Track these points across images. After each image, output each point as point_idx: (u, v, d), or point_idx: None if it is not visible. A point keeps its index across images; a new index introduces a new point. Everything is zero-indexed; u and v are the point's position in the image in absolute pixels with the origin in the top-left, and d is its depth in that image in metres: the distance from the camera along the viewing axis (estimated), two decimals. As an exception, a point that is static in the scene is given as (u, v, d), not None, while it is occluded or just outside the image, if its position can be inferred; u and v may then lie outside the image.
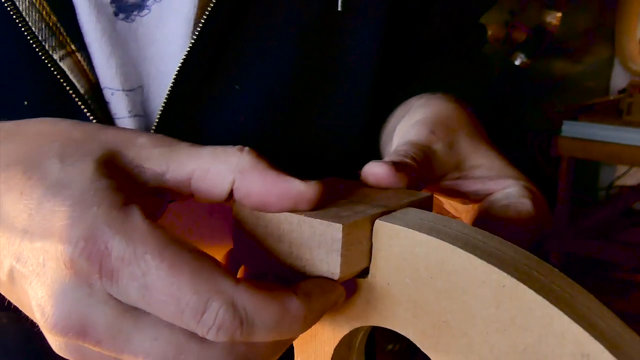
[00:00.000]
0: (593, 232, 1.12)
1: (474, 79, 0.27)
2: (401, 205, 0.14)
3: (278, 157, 0.26)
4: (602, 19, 1.43)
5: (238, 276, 0.13)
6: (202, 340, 0.11)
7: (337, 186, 0.15)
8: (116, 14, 0.20)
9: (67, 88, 0.20)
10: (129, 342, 0.11)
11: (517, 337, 0.12)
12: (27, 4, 0.19)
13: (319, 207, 0.13)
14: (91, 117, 0.20)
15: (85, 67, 0.20)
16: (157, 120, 0.21)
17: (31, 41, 0.19)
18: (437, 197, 0.18)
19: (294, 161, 0.25)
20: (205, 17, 0.20)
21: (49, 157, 0.12)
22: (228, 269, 0.12)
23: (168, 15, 0.21)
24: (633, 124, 1.08)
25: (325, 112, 0.24)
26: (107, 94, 0.21)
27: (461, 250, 0.12)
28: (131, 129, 0.14)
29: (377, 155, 0.26)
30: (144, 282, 0.11)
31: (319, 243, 0.12)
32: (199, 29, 0.20)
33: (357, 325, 0.14)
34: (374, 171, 0.15)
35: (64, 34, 0.20)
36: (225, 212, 0.14)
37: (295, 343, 0.14)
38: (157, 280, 0.11)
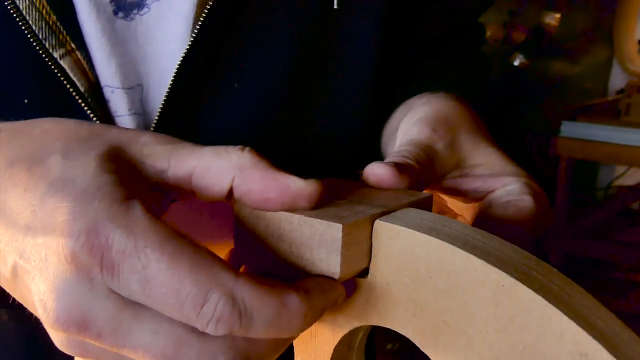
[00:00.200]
0: (592, 232, 1.12)
1: (474, 77, 0.27)
2: (401, 205, 0.14)
3: (278, 156, 0.26)
4: (601, 20, 1.43)
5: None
6: (202, 334, 0.11)
7: (337, 186, 0.15)
8: (115, 13, 0.21)
9: (68, 86, 0.20)
10: (130, 336, 0.11)
11: (516, 337, 0.12)
12: (27, 3, 0.19)
13: (318, 205, 0.13)
14: (91, 115, 0.20)
15: (85, 65, 0.20)
16: (156, 118, 0.21)
17: (31, 40, 0.19)
18: (439, 195, 0.18)
19: (294, 160, 0.25)
20: (203, 15, 0.20)
21: (53, 153, 0.12)
22: (229, 263, 0.12)
23: (167, 14, 0.21)
24: (631, 124, 1.09)
25: (324, 110, 0.24)
26: (107, 92, 0.21)
27: (460, 250, 0.12)
28: (135, 129, 0.14)
29: (377, 155, 0.26)
30: (144, 275, 0.11)
31: (319, 243, 0.12)
32: (197, 28, 0.20)
33: (357, 324, 0.14)
34: (376, 172, 0.15)
35: (64, 32, 0.20)
36: (226, 212, 0.14)
37: (295, 342, 0.14)
38: (157, 273, 0.11)
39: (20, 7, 0.19)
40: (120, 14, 0.21)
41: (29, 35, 0.19)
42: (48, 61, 0.20)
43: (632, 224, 1.22)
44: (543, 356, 0.11)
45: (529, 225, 0.16)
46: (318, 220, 0.12)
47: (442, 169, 0.17)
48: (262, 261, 0.13)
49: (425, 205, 0.15)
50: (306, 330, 0.14)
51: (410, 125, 0.18)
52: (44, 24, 0.19)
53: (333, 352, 0.14)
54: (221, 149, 0.13)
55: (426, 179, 0.16)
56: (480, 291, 0.12)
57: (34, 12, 0.19)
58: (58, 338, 0.12)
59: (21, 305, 0.13)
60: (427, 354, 0.13)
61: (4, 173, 0.12)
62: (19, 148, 0.13)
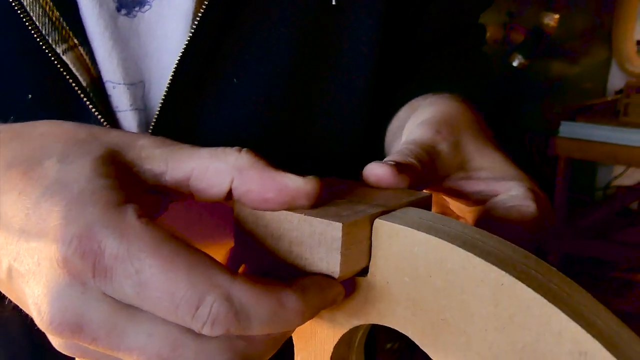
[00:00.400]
0: (590, 232, 1.13)
1: (476, 77, 0.27)
2: (400, 204, 0.14)
3: (278, 154, 0.26)
4: (600, 21, 1.44)
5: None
6: (198, 335, 0.11)
7: (337, 186, 0.15)
8: (118, 10, 0.21)
9: (70, 81, 0.20)
10: (124, 339, 0.11)
11: (515, 335, 0.12)
12: (30, 0, 0.19)
13: (317, 203, 0.13)
14: (93, 110, 0.21)
15: (87, 60, 0.20)
16: (156, 114, 0.21)
17: (35, 35, 0.19)
18: (442, 197, 0.18)
19: (294, 159, 0.25)
20: (201, 12, 0.20)
21: (50, 157, 0.12)
22: (225, 265, 0.12)
23: (168, 11, 0.21)
24: (630, 124, 1.09)
25: (324, 108, 0.24)
26: (109, 88, 0.21)
27: (460, 249, 0.12)
28: (133, 133, 0.14)
29: (378, 155, 0.26)
30: (137, 280, 0.11)
31: (319, 242, 0.12)
32: (195, 24, 0.20)
33: (357, 323, 0.14)
34: (376, 172, 0.15)
35: (67, 28, 0.20)
36: (225, 212, 0.14)
37: (295, 341, 0.14)
38: (151, 277, 0.11)
39: (24, 3, 0.19)
40: (123, 11, 0.21)
41: (32, 31, 0.19)
42: (51, 56, 0.20)
43: (631, 224, 1.23)
44: (542, 355, 0.11)
45: (530, 231, 0.16)
46: (318, 219, 0.12)
47: (444, 169, 0.17)
48: (262, 261, 0.13)
49: (425, 204, 0.15)
50: (306, 329, 0.14)
51: (414, 127, 0.18)
52: (47, 20, 0.20)
53: (333, 351, 0.14)
54: (219, 150, 0.13)
55: (428, 179, 0.16)
56: (479, 290, 0.12)
57: (37, 8, 0.19)
58: (56, 341, 0.12)
59: None
60: (427, 353, 0.13)
61: (2, 175, 0.12)
62: (17, 150, 0.13)
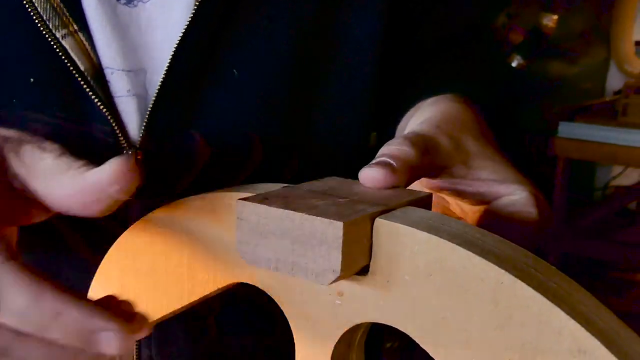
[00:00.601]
0: (589, 232, 1.13)
1: (481, 80, 0.26)
2: (401, 204, 0.14)
3: (280, 149, 0.26)
4: (598, 22, 1.44)
5: None
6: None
7: (338, 185, 0.15)
8: None
9: (69, 65, 0.20)
10: None
11: (515, 334, 0.12)
12: None
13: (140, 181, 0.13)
14: (91, 95, 0.21)
15: (87, 46, 0.21)
16: (152, 101, 0.21)
17: (36, 21, 0.20)
18: (443, 197, 0.18)
19: (296, 154, 0.25)
20: (199, 1, 0.21)
21: None
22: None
23: (170, 2, 0.21)
24: (629, 124, 1.09)
25: (325, 103, 0.24)
26: (108, 74, 0.21)
27: (460, 248, 0.12)
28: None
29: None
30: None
31: (320, 241, 0.12)
32: (192, 14, 0.21)
33: (357, 322, 0.14)
34: (371, 175, 0.15)
35: (67, 14, 0.20)
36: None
37: (295, 340, 0.15)
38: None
39: None
40: (123, 0, 0.21)
41: (34, 17, 0.20)
42: (51, 41, 0.20)
43: (630, 224, 1.23)
44: (542, 353, 0.11)
45: (531, 236, 0.16)
46: (319, 218, 0.12)
47: (444, 161, 0.17)
48: (263, 260, 0.13)
49: (425, 203, 0.15)
50: (307, 328, 0.14)
51: (415, 125, 0.18)
52: (48, 6, 0.20)
53: (333, 350, 0.14)
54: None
55: (426, 168, 0.16)
56: (479, 288, 0.12)
57: None
58: None
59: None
60: (427, 351, 0.13)
61: None
62: None
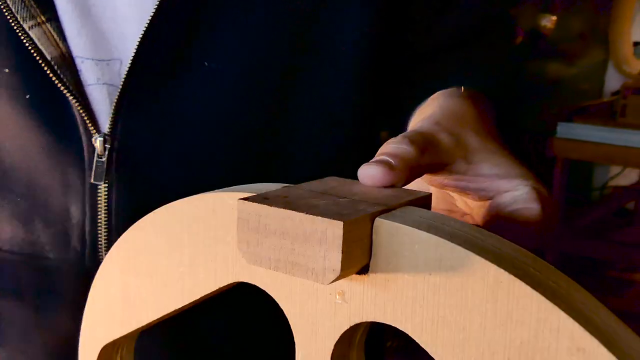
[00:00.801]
0: (588, 231, 1.13)
1: (494, 72, 0.26)
2: (400, 203, 0.14)
3: (261, 145, 0.26)
4: (596, 23, 1.45)
5: None
6: None
7: (338, 185, 0.15)
8: None
9: (35, 55, 0.21)
10: None
11: (513, 332, 0.12)
12: None
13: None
14: (57, 83, 0.22)
15: (55, 36, 0.22)
16: (119, 90, 0.22)
17: (6, 13, 0.21)
18: (448, 194, 0.18)
19: (278, 151, 0.25)
20: None
21: None
22: None
23: None
24: (626, 125, 1.10)
25: (307, 100, 0.24)
26: (78, 62, 0.22)
27: (459, 248, 0.12)
28: None
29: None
30: None
31: (321, 240, 0.13)
32: (156, 5, 0.21)
33: (357, 321, 0.14)
34: (370, 173, 0.15)
35: (35, 6, 0.21)
36: None
37: (296, 339, 0.15)
38: None
39: None
40: None
41: (4, 9, 0.21)
42: (19, 32, 0.21)
43: (627, 224, 1.23)
44: (540, 351, 0.12)
45: (535, 233, 0.16)
46: (319, 217, 0.12)
47: (445, 157, 0.17)
48: (263, 259, 0.13)
49: (425, 203, 0.15)
50: (307, 327, 0.14)
51: (415, 123, 0.18)
52: None
53: (334, 349, 0.14)
54: None
55: (427, 165, 0.16)
56: (478, 287, 0.12)
57: None
58: None
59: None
60: (426, 350, 0.13)
61: None
62: None
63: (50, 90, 0.22)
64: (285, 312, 0.15)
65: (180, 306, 0.16)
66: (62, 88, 0.22)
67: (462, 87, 0.20)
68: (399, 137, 0.16)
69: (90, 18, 0.22)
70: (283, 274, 0.13)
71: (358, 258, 0.13)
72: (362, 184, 0.15)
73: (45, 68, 0.22)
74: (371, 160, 0.15)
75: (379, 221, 0.13)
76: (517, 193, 0.16)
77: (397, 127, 0.26)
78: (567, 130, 1.09)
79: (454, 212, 0.18)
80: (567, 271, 0.13)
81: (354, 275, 0.13)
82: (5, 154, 0.24)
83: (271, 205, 0.13)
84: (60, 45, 0.22)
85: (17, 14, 0.21)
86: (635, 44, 1.43)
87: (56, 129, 0.23)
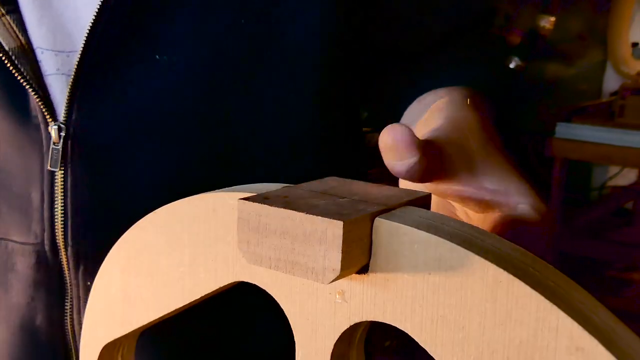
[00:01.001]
0: (586, 231, 1.14)
1: (486, 67, 0.26)
2: (400, 203, 0.14)
3: (219, 140, 0.25)
4: (595, 24, 1.45)
5: None
6: None
7: (338, 185, 0.15)
8: None
9: None
10: None
11: (513, 331, 0.12)
12: None
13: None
14: (15, 74, 0.23)
15: (15, 28, 0.23)
16: (71, 80, 0.23)
17: None
18: (449, 203, 0.18)
19: (238, 145, 0.25)
20: None
21: None
22: None
23: None
24: (625, 125, 1.10)
25: (265, 94, 0.24)
26: (38, 53, 0.23)
27: (459, 247, 0.12)
28: None
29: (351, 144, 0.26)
30: None
31: (320, 240, 0.13)
32: None
33: (357, 320, 0.14)
34: (394, 133, 0.14)
35: None
36: None
37: (296, 338, 0.15)
38: None
39: None
40: None
41: None
42: None
43: (626, 224, 1.24)
44: (539, 350, 0.12)
45: (535, 247, 0.16)
46: (319, 217, 0.13)
47: (450, 168, 0.17)
48: (264, 258, 0.13)
49: (424, 203, 0.15)
50: (307, 326, 0.14)
51: (424, 134, 0.18)
52: None
53: (333, 348, 0.14)
54: None
55: (434, 169, 0.16)
56: (477, 287, 0.12)
57: None
58: None
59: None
60: (426, 349, 0.13)
61: None
62: None
63: (9, 81, 0.23)
64: (285, 312, 0.15)
65: (180, 306, 0.16)
66: (19, 79, 0.22)
67: (468, 99, 0.20)
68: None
69: (50, 10, 0.23)
70: (283, 274, 0.13)
71: (358, 258, 0.13)
72: (363, 184, 0.15)
73: (4, 59, 0.22)
74: (398, 123, 0.15)
75: (379, 221, 0.13)
76: (519, 209, 0.16)
77: (383, 125, 0.27)
78: (565, 130, 1.10)
79: None
80: (566, 271, 0.13)
81: (353, 275, 0.13)
82: None
83: (271, 205, 0.13)
84: (20, 36, 0.23)
85: None
86: (634, 44, 1.43)
87: (17, 118, 0.23)
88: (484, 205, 0.17)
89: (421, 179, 0.15)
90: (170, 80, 0.23)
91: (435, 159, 0.16)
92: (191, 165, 0.24)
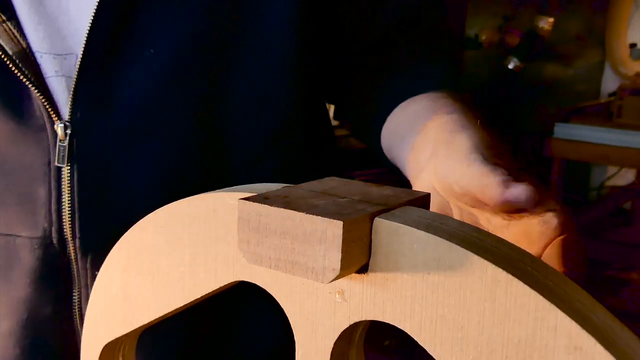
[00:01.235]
0: (585, 231, 1.14)
1: (452, 64, 0.28)
2: (400, 203, 0.14)
3: (202, 127, 0.26)
4: (593, 24, 1.45)
5: None
6: None
7: (338, 185, 0.15)
8: None
9: None
10: None
11: (511, 331, 0.12)
12: None
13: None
14: (20, 76, 0.24)
15: (16, 33, 0.24)
16: (74, 81, 0.24)
17: None
18: (473, 215, 0.18)
19: (219, 130, 0.25)
20: None
21: None
22: None
23: None
24: (623, 126, 1.10)
25: (241, 80, 0.25)
26: (38, 57, 0.24)
27: (458, 247, 0.12)
28: None
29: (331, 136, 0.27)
30: None
31: (320, 239, 0.13)
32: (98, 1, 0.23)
33: (357, 319, 0.14)
34: (525, 194, 0.15)
35: None
36: None
37: (296, 337, 0.15)
38: None
39: None
40: None
41: None
42: None
43: (624, 224, 1.24)
44: (538, 349, 0.12)
45: (574, 257, 0.17)
46: (319, 217, 0.13)
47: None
48: (264, 258, 0.13)
49: (423, 203, 0.15)
50: (306, 325, 0.14)
51: (454, 165, 0.18)
52: None
53: (333, 347, 0.14)
54: None
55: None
56: (476, 286, 0.12)
57: None
58: None
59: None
60: (425, 348, 0.13)
61: None
62: None
63: (14, 84, 0.24)
64: (285, 311, 0.15)
65: (181, 305, 0.16)
66: (24, 80, 0.24)
67: (478, 120, 0.20)
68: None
69: (45, 15, 0.24)
70: (283, 273, 0.13)
71: (357, 257, 0.13)
72: (362, 184, 0.15)
73: (8, 63, 0.23)
74: (520, 184, 0.16)
75: (378, 221, 0.13)
76: (546, 218, 0.17)
77: (351, 117, 0.28)
78: (564, 130, 1.10)
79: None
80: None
81: (353, 275, 0.13)
82: None
83: (271, 205, 0.13)
84: (21, 41, 0.24)
85: None
86: (632, 45, 1.43)
87: (22, 119, 0.25)
88: (514, 213, 0.17)
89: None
90: (158, 73, 0.24)
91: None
92: (180, 155, 0.25)
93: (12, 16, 0.24)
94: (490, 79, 1.33)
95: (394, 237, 0.13)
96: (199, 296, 0.16)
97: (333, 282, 0.13)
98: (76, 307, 0.26)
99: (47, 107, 0.24)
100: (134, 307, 0.17)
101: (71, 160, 0.24)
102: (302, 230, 0.13)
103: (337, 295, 0.14)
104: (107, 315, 0.18)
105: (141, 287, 0.17)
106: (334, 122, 0.33)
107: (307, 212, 0.13)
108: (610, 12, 1.38)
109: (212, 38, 0.25)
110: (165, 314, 0.17)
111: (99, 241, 0.25)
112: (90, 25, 0.23)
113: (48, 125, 0.24)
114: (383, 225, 0.13)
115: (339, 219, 0.12)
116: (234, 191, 0.15)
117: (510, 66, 1.30)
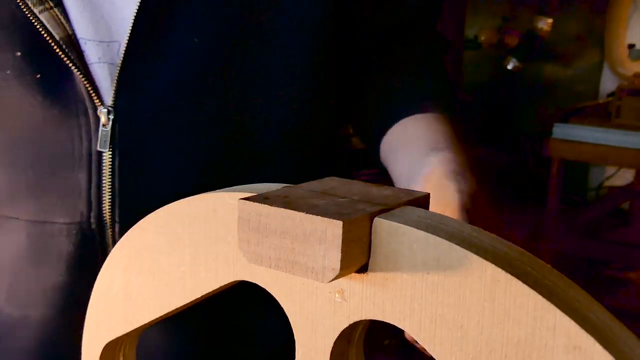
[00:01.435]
0: (583, 231, 1.14)
1: (447, 88, 0.30)
2: (399, 203, 0.14)
3: (236, 114, 0.26)
4: (592, 25, 1.46)
5: None
6: None
7: (338, 185, 0.15)
8: None
9: (46, 36, 0.24)
10: None
11: (511, 330, 0.12)
12: None
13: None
14: (65, 60, 0.24)
15: (62, 19, 0.24)
16: (118, 68, 0.24)
17: (18, 1, 0.24)
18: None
19: (249, 117, 0.26)
20: None
21: None
22: None
23: None
24: (622, 126, 1.11)
25: (264, 76, 0.26)
26: (82, 43, 0.25)
27: (457, 247, 0.12)
28: None
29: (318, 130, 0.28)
30: None
31: (320, 239, 0.13)
32: None
33: (356, 319, 0.14)
34: None
35: None
36: None
37: (296, 336, 0.15)
38: None
39: None
40: None
41: None
42: (30, 17, 0.24)
43: (623, 224, 1.24)
44: (537, 349, 0.12)
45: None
46: (319, 217, 0.13)
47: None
48: (264, 258, 0.13)
49: (423, 203, 0.15)
50: (306, 325, 0.14)
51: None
52: None
53: (333, 346, 0.14)
54: None
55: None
56: (476, 286, 0.12)
57: None
58: None
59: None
60: (425, 348, 0.13)
61: None
62: None
63: (59, 69, 0.24)
64: (285, 310, 0.15)
65: (181, 305, 0.17)
66: (70, 65, 0.24)
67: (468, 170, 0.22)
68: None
69: (90, 3, 0.24)
70: (283, 273, 0.13)
71: (357, 257, 0.13)
72: (362, 184, 0.15)
73: (55, 48, 0.24)
74: None
75: (378, 221, 0.13)
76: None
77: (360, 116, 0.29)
78: (563, 131, 1.10)
79: None
80: (563, 270, 0.13)
81: (353, 274, 0.14)
82: (16, 130, 0.26)
83: (271, 205, 0.13)
84: (67, 27, 0.24)
85: (28, 0, 0.23)
86: (630, 46, 1.44)
87: (64, 103, 0.25)
88: None
89: None
90: (198, 61, 0.25)
91: None
92: (219, 139, 0.26)
93: (59, 3, 0.24)
94: (490, 80, 1.34)
95: (393, 237, 0.13)
96: (199, 296, 0.16)
97: (333, 281, 0.13)
98: None
99: (91, 91, 0.24)
100: (135, 307, 0.17)
101: (113, 145, 0.25)
102: (302, 230, 0.13)
103: (337, 295, 0.14)
104: (108, 314, 0.18)
105: (142, 286, 0.17)
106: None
107: (307, 212, 0.13)
108: (609, 12, 1.39)
109: (247, 27, 0.25)
110: (166, 314, 0.17)
111: None
112: (135, 14, 0.24)
113: (90, 111, 0.25)
114: (383, 225, 0.13)
115: (338, 219, 0.12)
116: (234, 191, 0.15)
117: (510, 67, 1.31)
